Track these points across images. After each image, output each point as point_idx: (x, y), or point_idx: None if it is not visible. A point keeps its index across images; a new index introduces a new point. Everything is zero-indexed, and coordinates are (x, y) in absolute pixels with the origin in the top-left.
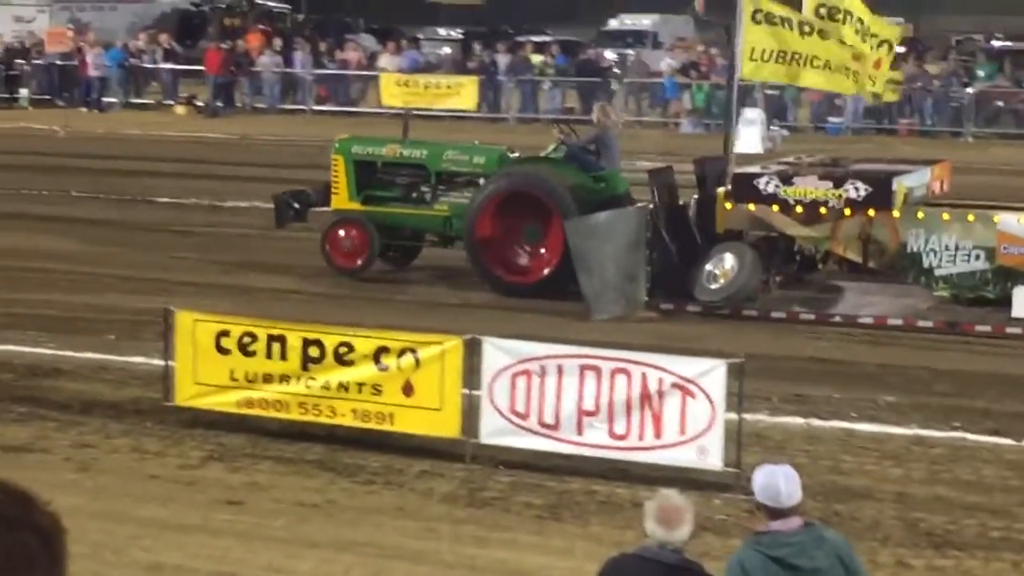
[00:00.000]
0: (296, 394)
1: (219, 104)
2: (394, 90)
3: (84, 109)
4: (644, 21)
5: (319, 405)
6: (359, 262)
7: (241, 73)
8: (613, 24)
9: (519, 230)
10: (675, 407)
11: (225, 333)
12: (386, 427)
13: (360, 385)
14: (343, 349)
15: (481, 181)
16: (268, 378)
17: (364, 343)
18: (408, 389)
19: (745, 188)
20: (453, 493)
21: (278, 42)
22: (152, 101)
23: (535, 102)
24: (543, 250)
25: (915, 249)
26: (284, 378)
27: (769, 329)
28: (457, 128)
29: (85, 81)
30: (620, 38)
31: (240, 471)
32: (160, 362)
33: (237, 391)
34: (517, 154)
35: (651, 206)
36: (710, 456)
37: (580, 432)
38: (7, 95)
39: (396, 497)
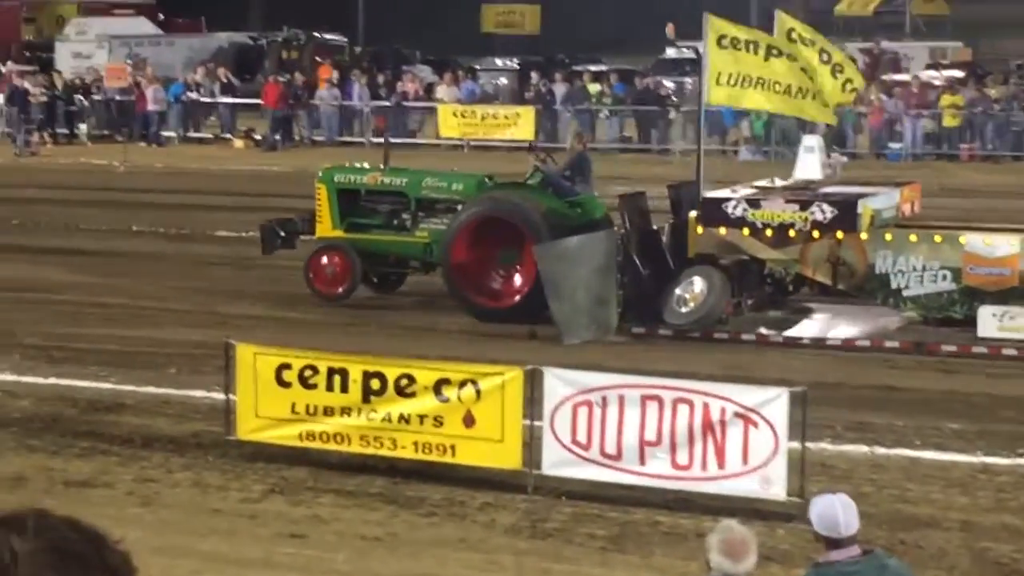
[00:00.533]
0: (357, 427)
1: (277, 137)
2: (451, 121)
3: (143, 144)
4: (702, 49)
5: (380, 437)
6: (341, 289)
7: (299, 106)
8: (670, 52)
9: (494, 255)
10: (738, 437)
11: (286, 366)
12: (447, 459)
13: (421, 417)
14: (404, 381)
15: (460, 207)
16: (329, 411)
17: (425, 375)
18: (469, 420)
19: (714, 212)
20: (515, 525)
21: (335, 75)
22: (210, 135)
23: (593, 131)
24: (517, 275)
25: (883, 270)
26: (345, 411)
27: (828, 357)
28: (514, 158)
29: (144, 116)
30: (678, 66)
31: (302, 504)
32: (221, 396)
33: (298, 424)
34: (493, 181)
35: (621, 231)
36: (773, 486)
37: (642, 462)
38: (67, 131)
39: (458, 529)
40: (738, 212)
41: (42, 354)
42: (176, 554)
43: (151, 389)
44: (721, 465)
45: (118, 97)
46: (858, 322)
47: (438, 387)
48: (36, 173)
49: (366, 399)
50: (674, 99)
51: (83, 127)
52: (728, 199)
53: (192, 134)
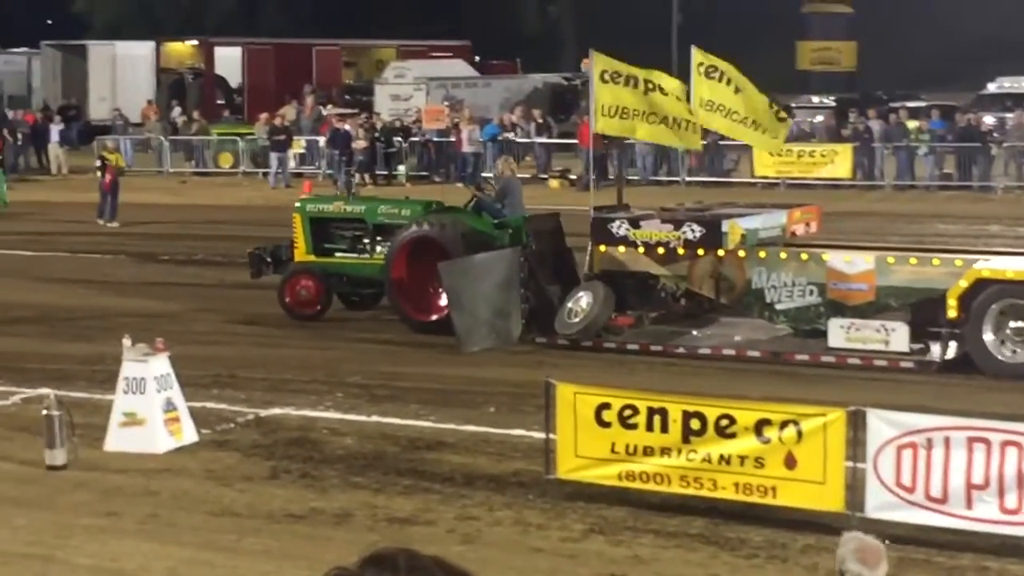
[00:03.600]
0: (677, 467)
1: (592, 177)
2: (767, 159)
3: (460, 184)
4: None
5: (700, 478)
6: (316, 308)
7: (614, 145)
8: (991, 87)
9: (429, 272)
10: None
11: (606, 406)
12: (768, 500)
13: (742, 458)
14: (724, 421)
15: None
16: (649, 451)
17: (745, 415)
18: (791, 462)
19: (601, 231)
20: None
21: None
22: (526, 175)
23: (911, 169)
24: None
25: (759, 286)
26: (665, 451)
27: None
28: (832, 196)
29: (461, 157)
30: (999, 101)
31: (622, 544)
32: (540, 435)
33: (618, 464)
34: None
35: (525, 249)
36: None
37: (969, 506)
38: (386, 172)
39: (780, 572)
40: (622, 232)
41: (365, 392)
42: None
43: (471, 427)
44: None
45: (436, 138)
46: (737, 333)
47: (759, 428)
48: None
49: (686, 439)
50: (995, 135)
51: (402, 168)
52: (612, 219)
53: None
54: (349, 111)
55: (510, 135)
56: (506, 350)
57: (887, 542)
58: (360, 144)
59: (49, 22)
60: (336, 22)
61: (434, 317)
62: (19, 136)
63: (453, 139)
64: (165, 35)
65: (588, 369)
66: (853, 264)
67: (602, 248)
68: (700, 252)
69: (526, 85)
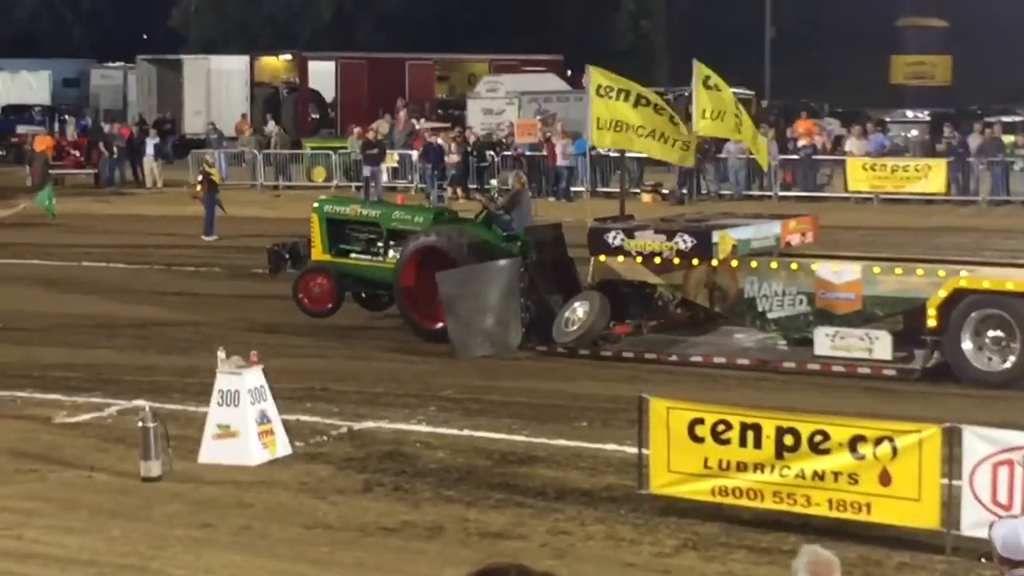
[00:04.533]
0: (770, 483)
1: (684, 191)
2: (860, 174)
3: (552, 199)
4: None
5: (794, 494)
6: (328, 306)
7: (706, 160)
8: None
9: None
10: None
11: (699, 421)
12: (863, 517)
13: (836, 474)
14: (818, 437)
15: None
16: (742, 466)
17: (840, 431)
18: (885, 478)
19: (598, 242)
20: None
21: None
22: (619, 190)
23: (1006, 184)
24: None
25: (750, 295)
26: (758, 466)
27: None
28: (926, 212)
29: (553, 171)
30: None
31: (715, 560)
32: (632, 449)
33: (711, 479)
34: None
35: (525, 260)
36: None
37: None
38: (479, 186)
39: None
40: (617, 242)
41: (457, 406)
42: None
43: (563, 442)
44: None
45: (528, 152)
46: (728, 342)
47: (853, 444)
48: None
49: (779, 455)
50: None
51: (493, 182)
52: (608, 229)
53: (601, 189)
54: (442, 125)
55: (603, 149)
56: (598, 366)
57: (983, 560)
58: (453, 158)
59: (145, 36)
60: (429, 36)
61: (439, 325)
62: (115, 150)
63: (545, 153)
64: (259, 49)
65: (681, 384)
66: (840, 274)
67: (602, 258)
68: (694, 262)
69: None
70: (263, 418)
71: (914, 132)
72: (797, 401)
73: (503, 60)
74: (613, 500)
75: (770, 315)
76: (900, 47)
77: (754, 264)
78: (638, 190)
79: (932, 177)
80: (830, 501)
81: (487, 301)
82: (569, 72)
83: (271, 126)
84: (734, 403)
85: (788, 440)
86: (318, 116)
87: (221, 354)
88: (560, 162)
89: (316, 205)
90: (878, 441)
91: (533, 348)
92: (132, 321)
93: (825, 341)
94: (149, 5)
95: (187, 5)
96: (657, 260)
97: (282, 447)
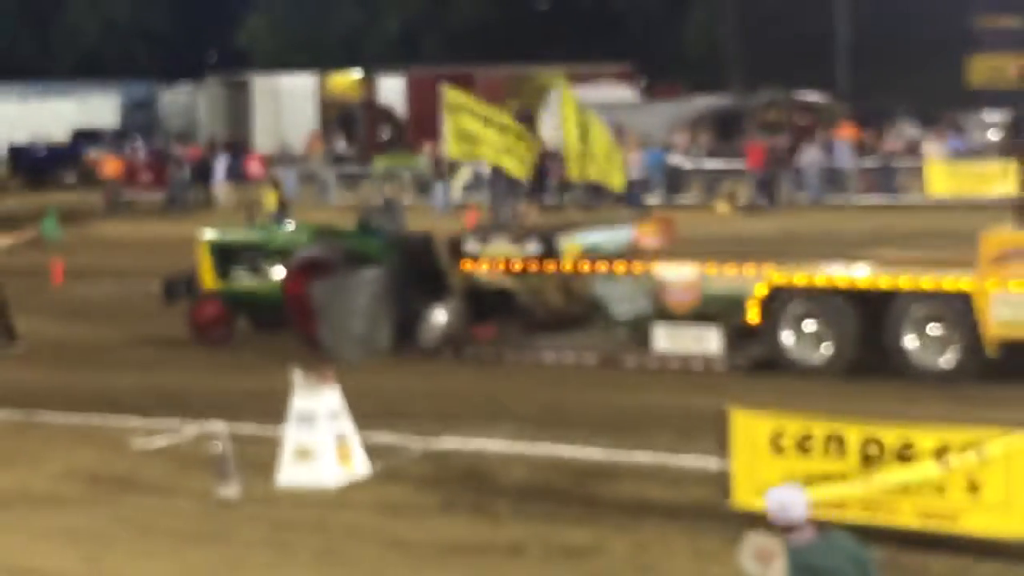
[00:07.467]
0: (856, 494)
1: (760, 200)
2: (940, 178)
3: (625, 210)
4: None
5: (879, 505)
6: (222, 332)
7: (782, 167)
8: None
9: None
10: None
11: (781, 432)
12: (951, 527)
13: (922, 484)
14: (903, 446)
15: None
16: (826, 477)
17: (925, 440)
18: (973, 487)
19: (456, 250)
20: None
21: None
22: (693, 200)
23: None
24: None
25: (600, 296)
26: (842, 477)
27: None
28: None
29: (628, 183)
30: None
31: None
32: (714, 462)
33: None
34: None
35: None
36: None
37: None
38: (557, 199)
39: None
40: (472, 248)
41: (533, 422)
42: None
43: (643, 455)
44: None
45: None
46: (581, 341)
47: (939, 452)
48: None
49: (864, 465)
50: None
51: (565, 195)
52: (464, 238)
53: (675, 199)
54: None
55: (676, 159)
56: (677, 378)
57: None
58: None
59: (213, 57)
60: (498, 49)
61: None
62: (185, 171)
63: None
64: (327, 66)
65: (763, 395)
66: (679, 274)
67: (466, 265)
68: (551, 267)
69: (691, 108)
70: (340, 439)
71: (993, 135)
72: (881, 411)
73: (574, 71)
74: (696, 514)
75: (618, 315)
76: (976, 48)
77: (603, 268)
78: (712, 199)
79: (1012, 180)
80: (916, 511)
81: (356, 308)
82: (641, 82)
83: (341, 144)
84: (816, 414)
85: (872, 450)
86: (390, 133)
87: (297, 375)
88: (633, 174)
89: (205, 236)
90: (964, 448)
91: (402, 351)
92: (204, 344)
93: (663, 338)
94: (216, 25)
95: (254, 24)
96: (519, 266)
97: (360, 467)
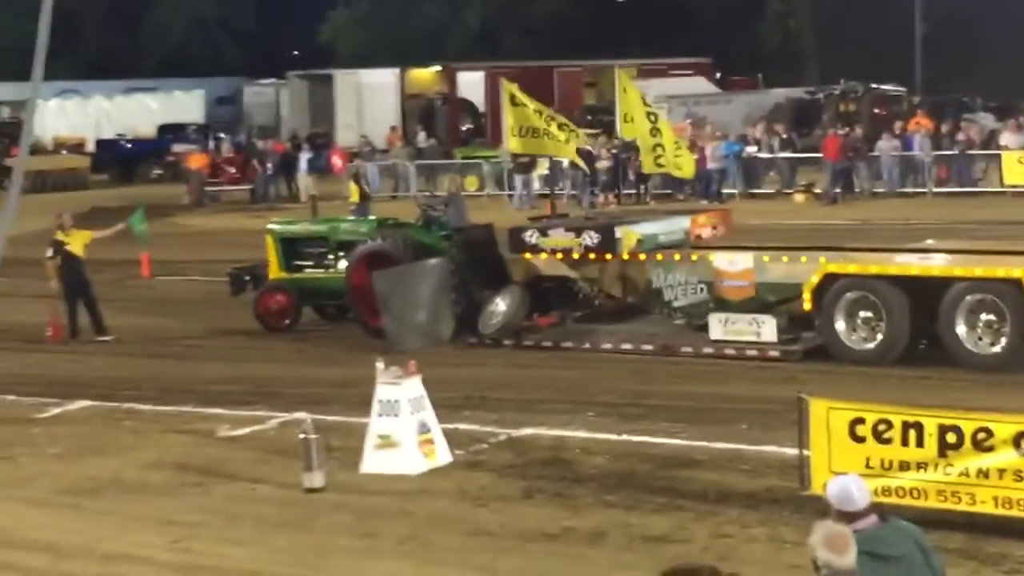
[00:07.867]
0: (934, 481)
1: (837, 191)
2: (1016, 168)
3: (704, 201)
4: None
5: (958, 492)
6: (286, 321)
7: (859, 158)
8: None
9: None
10: None
11: (859, 420)
12: None
13: (1001, 471)
14: (982, 435)
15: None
16: (905, 465)
17: (1003, 428)
18: None
19: (517, 241)
20: None
21: (898, 125)
22: (770, 191)
23: None
24: None
25: (658, 285)
26: (921, 465)
27: None
28: None
29: (705, 174)
30: None
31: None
32: (793, 451)
33: (873, 479)
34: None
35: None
36: None
37: None
38: (635, 190)
39: None
40: (533, 240)
41: (614, 411)
42: None
43: (723, 444)
44: None
45: None
46: (637, 329)
47: (1018, 440)
48: None
49: (942, 453)
50: None
51: (643, 186)
52: (524, 229)
53: (752, 190)
54: (592, 131)
55: (753, 150)
56: (741, 367)
57: None
58: (603, 164)
59: (295, 53)
60: (576, 43)
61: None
62: (269, 166)
63: (696, 156)
64: (408, 61)
65: (840, 384)
66: (735, 263)
67: (526, 256)
68: (607, 256)
69: (768, 100)
70: (423, 427)
71: None
72: (960, 399)
73: (651, 65)
74: (775, 502)
75: (676, 304)
76: None
77: (660, 257)
78: (790, 190)
79: None
80: (996, 499)
81: (419, 298)
82: (718, 75)
83: (422, 137)
84: (896, 402)
85: (951, 438)
86: (471, 126)
87: (380, 364)
88: (710, 165)
89: (269, 227)
90: None
91: (465, 340)
92: (290, 333)
93: (719, 326)
94: (299, 22)
95: (337, 21)
96: (577, 255)
97: (442, 456)
